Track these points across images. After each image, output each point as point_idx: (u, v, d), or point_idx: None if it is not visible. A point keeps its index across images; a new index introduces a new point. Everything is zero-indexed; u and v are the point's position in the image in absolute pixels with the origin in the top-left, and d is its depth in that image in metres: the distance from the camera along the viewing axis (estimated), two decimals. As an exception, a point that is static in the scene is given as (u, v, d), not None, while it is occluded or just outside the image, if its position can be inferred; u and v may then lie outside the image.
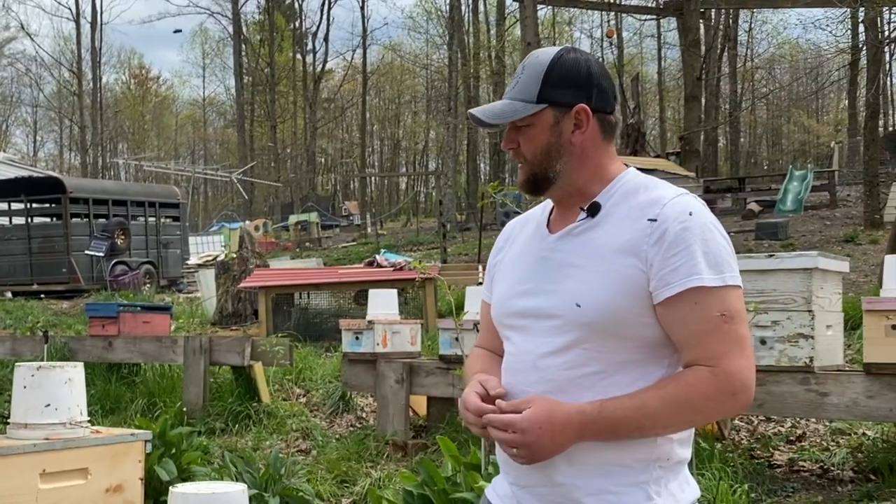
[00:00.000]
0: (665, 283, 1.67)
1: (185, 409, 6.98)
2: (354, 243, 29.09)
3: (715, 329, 1.66)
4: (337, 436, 6.67)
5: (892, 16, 19.94)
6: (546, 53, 1.81)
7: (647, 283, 1.69)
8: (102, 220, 20.24)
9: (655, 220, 1.69)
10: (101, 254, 19.22)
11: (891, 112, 39.38)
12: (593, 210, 1.77)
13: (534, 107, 1.77)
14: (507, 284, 1.87)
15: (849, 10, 18.33)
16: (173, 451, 5.44)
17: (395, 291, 7.02)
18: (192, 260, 23.83)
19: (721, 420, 5.48)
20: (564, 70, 1.78)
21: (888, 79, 31.15)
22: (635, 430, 1.66)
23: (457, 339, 5.86)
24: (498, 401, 1.70)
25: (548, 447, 1.64)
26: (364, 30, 43.56)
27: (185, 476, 5.28)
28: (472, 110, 1.82)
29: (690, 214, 1.70)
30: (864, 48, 19.40)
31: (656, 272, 1.68)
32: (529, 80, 1.78)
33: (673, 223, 1.68)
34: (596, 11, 29.36)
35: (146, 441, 4.79)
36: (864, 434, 5.58)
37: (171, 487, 3.34)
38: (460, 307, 6.62)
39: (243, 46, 46.79)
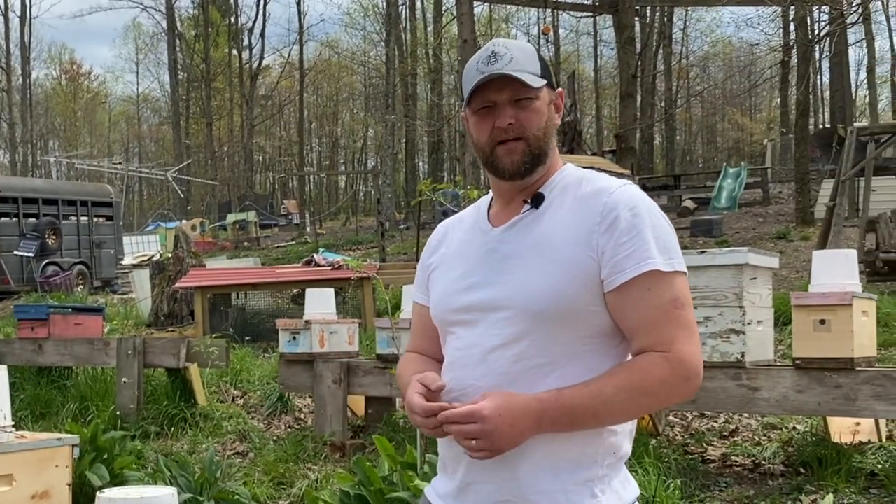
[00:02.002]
0: (619, 269, 1.68)
1: (118, 412, 6.86)
2: (293, 243, 28.89)
3: (666, 315, 1.67)
4: (274, 437, 6.61)
5: (822, 15, 20.39)
6: (522, 42, 1.85)
7: (597, 272, 1.70)
8: (32, 220, 19.79)
9: (605, 209, 1.71)
10: (31, 254, 18.79)
11: (821, 110, 40.26)
12: (537, 201, 1.78)
13: (541, 80, 1.78)
14: (450, 280, 1.85)
15: (780, 8, 18.73)
16: (105, 455, 5.34)
17: (332, 291, 6.97)
18: (127, 260, 23.44)
19: (655, 416, 5.56)
20: (542, 57, 1.82)
21: (818, 77, 31.83)
22: (592, 419, 1.66)
23: (393, 338, 5.85)
24: (450, 405, 1.67)
25: (508, 436, 1.62)
26: (301, 26, 43.34)
27: (117, 481, 5.18)
28: (499, 71, 1.73)
29: (638, 202, 1.72)
30: (795, 46, 19.80)
31: (609, 259, 1.69)
32: (526, 58, 1.78)
33: (623, 210, 1.70)
34: (532, 8, 29.50)
35: (73, 446, 4.69)
36: (794, 428, 5.70)
37: (98, 492, 3.28)
38: (397, 306, 6.62)
39: (178, 42, 46.09)
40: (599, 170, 1.99)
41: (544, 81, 1.78)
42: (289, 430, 6.89)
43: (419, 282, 2.00)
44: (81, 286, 19.32)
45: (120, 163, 42.40)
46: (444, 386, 1.73)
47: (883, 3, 23.79)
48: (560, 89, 1.86)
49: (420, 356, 1.97)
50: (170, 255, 13.21)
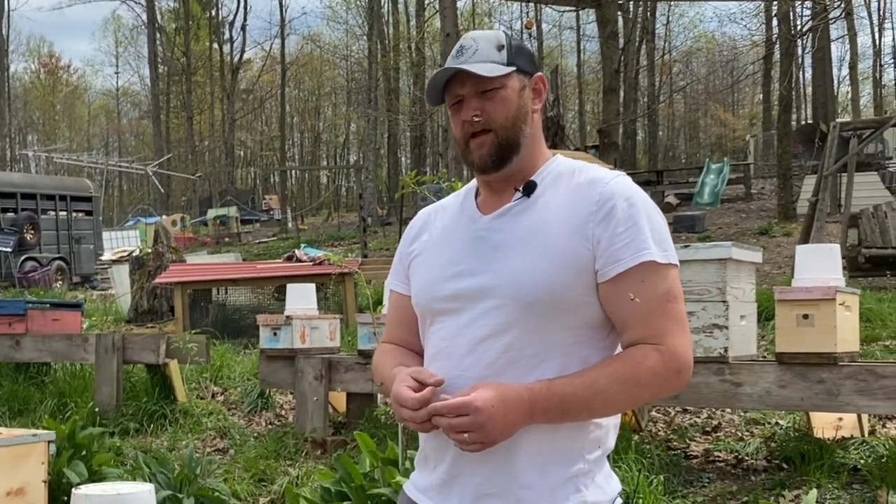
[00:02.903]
0: (615, 259, 1.66)
1: (97, 409, 6.80)
2: (275, 238, 28.82)
3: (659, 308, 1.66)
4: (255, 434, 6.56)
5: (804, 10, 20.48)
6: (491, 31, 1.83)
7: (591, 262, 1.67)
8: (10, 215, 19.64)
9: (600, 199, 1.69)
10: (9, 249, 18.62)
11: (803, 106, 40.47)
12: (529, 189, 1.76)
13: (506, 68, 1.76)
14: (436, 268, 1.81)
15: (762, 3, 18.79)
16: (83, 452, 5.29)
17: (313, 286, 6.92)
18: (106, 256, 23.25)
19: (638, 411, 5.54)
20: (517, 43, 1.80)
21: (800, 73, 32.00)
22: (583, 409, 1.64)
23: (374, 333, 5.81)
24: (443, 395, 1.63)
25: (501, 427, 1.59)
26: (282, 19, 42.96)
27: (95, 478, 5.13)
28: (455, 66, 1.75)
29: (634, 193, 1.71)
30: (778, 42, 19.88)
31: (605, 249, 1.67)
32: (491, 48, 1.77)
33: (620, 200, 1.68)
34: (515, 3, 29.54)
35: (49, 442, 4.63)
36: (776, 423, 5.70)
37: (74, 489, 3.23)
38: (379, 302, 6.58)
39: (158, 35, 45.78)
40: (583, 165, 1.96)
41: (510, 69, 1.75)
42: (269, 426, 6.84)
43: (396, 271, 1.95)
44: (60, 282, 19.19)
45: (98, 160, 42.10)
46: (442, 381, 1.67)
47: (864, -2, 23.94)
48: (539, 73, 1.82)
49: (398, 347, 1.93)
50: (150, 251, 13.11)
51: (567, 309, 1.68)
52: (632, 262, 1.65)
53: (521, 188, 1.76)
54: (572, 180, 1.75)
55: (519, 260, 1.70)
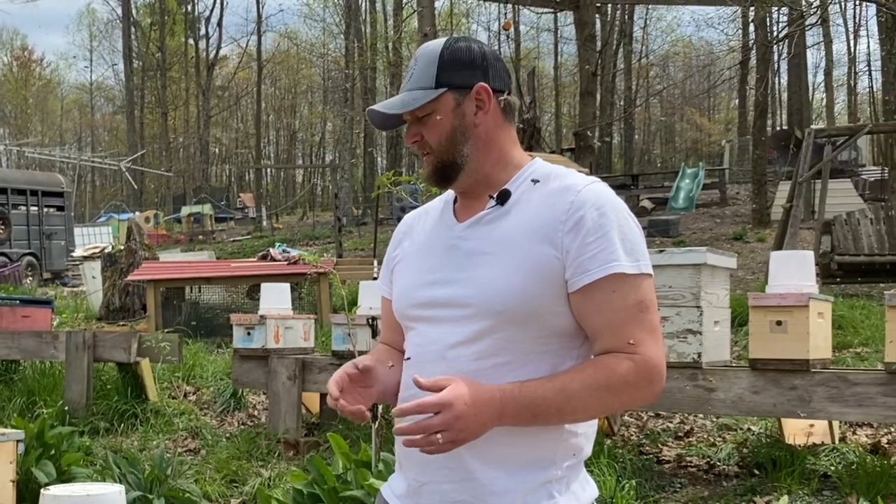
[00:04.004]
0: (583, 269, 1.65)
1: (66, 408, 6.73)
2: (249, 237, 28.68)
3: (632, 318, 1.65)
4: (227, 434, 6.52)
5: (781, 16, 20.62)
6: (436, 42, 1.81)
7: (562, 272, 1.67)
8: (-19, 209, 19.41)
9: (570, 207, 1.68)
10: (-21, 244, 18.44)
11: (779, 112, 40.77)
12: (503, 197, 1.75)
13: (433, 92, 1.75)
14: (413, 274, 1.83)
15: (740, 9, 18.90)
16: (52, 452, 5.23)
17: (287, 286, 6.88)
18: (78, 252, 23.03)
19: (611, 415, 5.55)
20: (457, 53, 1.76)
21: (776, 79, 32.24)
22: (554, 413, 1.62)
23: (349, 334, 5.78)
24: (415, 376, 1.59)
25: (473, 425, 1.56)
26: (259, 16, 42.74)
27: (65, 478, 5.09)
28: (371, 107, 1.79)
29: (606, 201, 1.69)
30: (754, 47, 20.01)
31: (573, 259, 1.66)
32: (424, 69, 1.76)
33: (590, 210, 1.67)
34: (493, 4, 29.50)
35: (18, 441, 4.58)
36: (748, 429, 5.73)
37: (42, 490, 3.19)
38: (354, 302, 6.56)
39: (133, 30, 45.42)
40: (559, 168, 1.94)
41: (438, 92, 1.74)
42: (242, 426, 6.80)
43: (384, 275, 1.98)
44: (30, 278, 18.99)
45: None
46: (370, 366, 1.75)
47: (841, 5, 24.17)
48: (480, 84, 1.75)
49: (388, 348, 1.95)
50: (122, 248, 12.99)
51: (538, 318, 1.67)
52: (599, 273, 1.64)
53: (495, 196, 1.76)
54: (546, 187, 1.74)
55: (490, 269, 1.70)
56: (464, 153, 1.76)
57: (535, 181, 1.76)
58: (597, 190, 1.71)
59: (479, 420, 1.57)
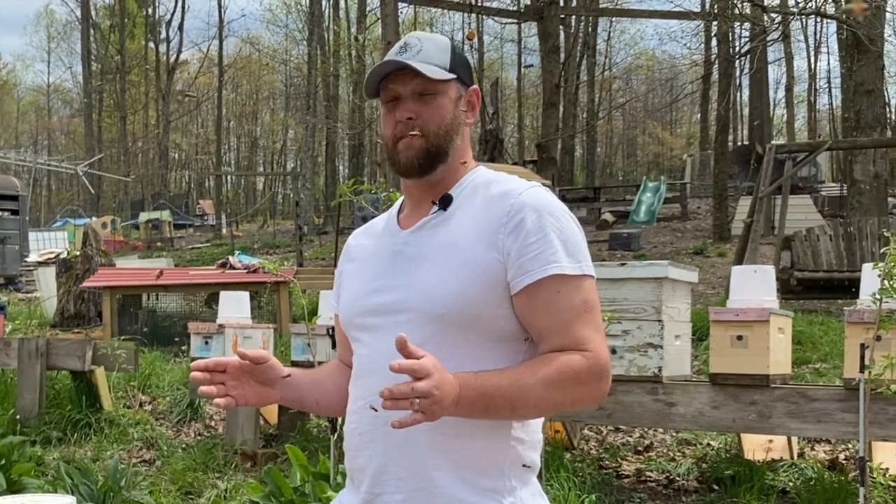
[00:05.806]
0: (524, 270, 1.65)
1: (18, 416, 6.62)
2: (208, 244, 28.40)
3: (578, 317, 1.66)
4: (183, 445, 6.42)
5: (743, 31, 20.85)
6: (436, 35, 1.82)
7: (503, 274, 1.67)
8: (-67, 212, 19.04)
9: (510, 210, 1.68)
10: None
11: (740, 127, 41.25)
12: (445, 202, 1.76)
13: (449, 74, 1.75)
14: (358, 284, 1.82)
15: (703, 23, 19.10)
16: (3, 462, 5.13)
17: (247, 294, 6.81)
18: (32, 257, 22.62)
19: (570, 429, 5.54)
20: (460, 52, 1.80)
21: (737, 94, 32.59)
22: (507, 406, 1.61)
23: (309, 344, 5.72)
24: (399, 337, 1.50)
25: (444, 402, 1.50)
26: (220, 20, 42.46)
27: (15, 489, 5.00)
28: (396, 57, 1.73)
29: (546, 204, 1.70)
30: (717, 62, 20.23)
31: (514, 261, 1.66)
32: (436, 51, 1.75)
33: (530, 212, 1.68)
34: (457, 13, 29.59)
35: (-32, 453, 4.47)
36: (708, 444, 5.75)
37: (-8, 506, 3.10)
38: (314, 312, 6.49)
39: (92, 31, 44.90)
40: (520, 179, 1.94)
41: (452, 76, 1.75)
42: (198, 437, 6.70)
43: (335, 291, 1.97)
44: (-17, 282, 18.62)
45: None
46: (262, 356, 1.76)
47: (802, 22, 24.51)
48: (475, 87, 1.82)
49: (340, 365, 1.94)
50: (78, 253, 12.80)
51: (481, 321, 1.67)
52: (540, 273, 1.65)
53: (437, 202, 1.76)
54: (488, 192, 1.75)
55: (431, 273, 1.69)
56: (455, 145, 1.77)
57: (476, 187, 1.77)
58: (537, 194, 1.73)
59: (446, 392, 1.52)
